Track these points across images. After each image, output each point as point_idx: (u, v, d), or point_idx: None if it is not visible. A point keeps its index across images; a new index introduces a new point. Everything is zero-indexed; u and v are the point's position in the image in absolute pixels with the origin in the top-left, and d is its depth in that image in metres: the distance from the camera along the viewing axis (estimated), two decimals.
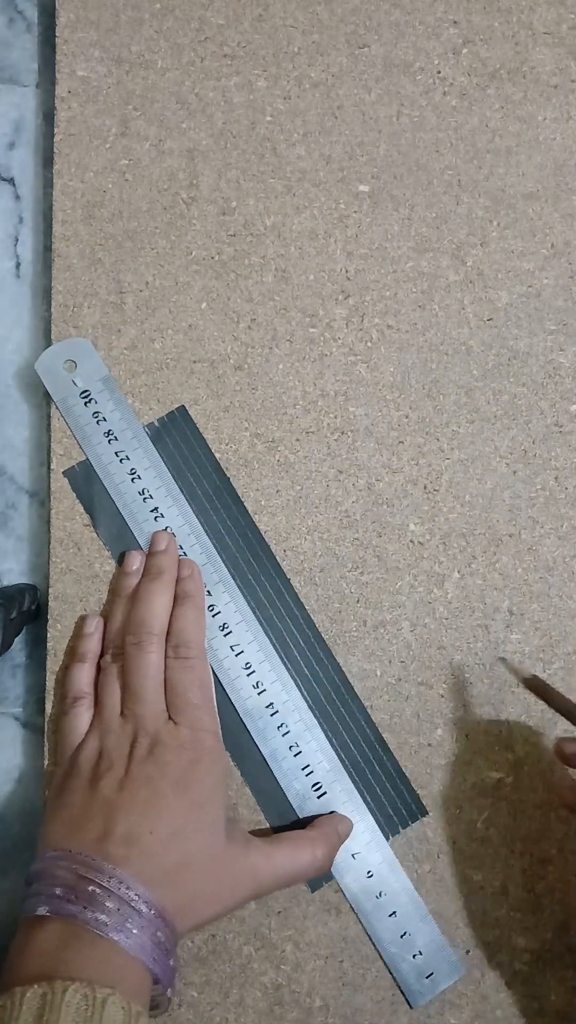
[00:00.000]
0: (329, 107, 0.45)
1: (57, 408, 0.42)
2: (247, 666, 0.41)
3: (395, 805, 0.40)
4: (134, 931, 0.31)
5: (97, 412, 0.42)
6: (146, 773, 0.35)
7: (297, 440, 0.43)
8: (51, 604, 0.41)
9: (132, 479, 0.42)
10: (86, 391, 0.42)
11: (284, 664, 0.41)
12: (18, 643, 0.43)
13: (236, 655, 0.41)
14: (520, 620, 0.42)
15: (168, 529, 0.41)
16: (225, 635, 0.41)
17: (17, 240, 0.46)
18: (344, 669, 0.41)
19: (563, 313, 0.45)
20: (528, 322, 0.45)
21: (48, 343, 0.43)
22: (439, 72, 0.46)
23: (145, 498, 0.41)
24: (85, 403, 0.42)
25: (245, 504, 0.42)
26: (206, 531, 0.42)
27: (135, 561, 0.41)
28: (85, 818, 0.34)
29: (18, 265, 0.46)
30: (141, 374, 0.43)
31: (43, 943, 0.31)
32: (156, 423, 0.43)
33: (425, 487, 0.43)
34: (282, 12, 0.46)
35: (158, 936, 0.32)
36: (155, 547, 0.41)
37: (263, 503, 0.42)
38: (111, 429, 0.42)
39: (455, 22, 0.46)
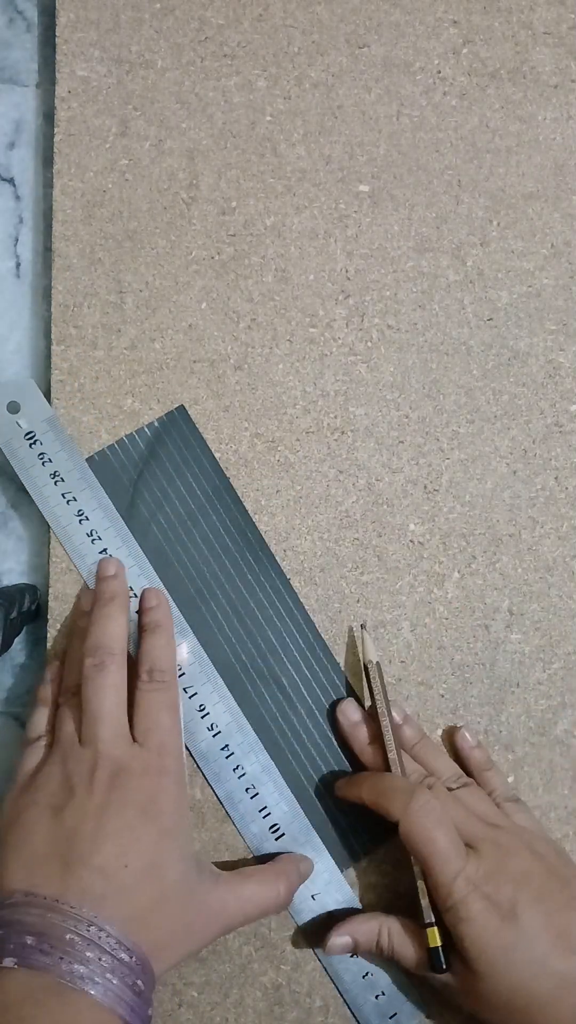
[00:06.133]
0: (329, 107, 0.45)
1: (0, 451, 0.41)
2: (201, 708, 0.40)
3: None
4: (113, 981, 0.29)
5: (43, 454, 0.41)
6: (111, 800, 0.33)
7: (297, 440, 0.43)
8: (51, 604, 0.41)
9: (79, 520, 0.41)
10: (31, 432, 0.41)
11: (240, 705, 0.41)
12: (18, 643, 0.43)
13: (190, 696, 0.40)
14: (520, 620, 0.42)
15: None
16: (179, 676, 0.40)
17: (17, 240, 0.46)
18: (344, 669, 0.41)
19: (563, 313, 0.45)
20: (528, 322, 0.45)
21: (48, 343, 0.43)
22: (439, 72, 0.46)
23: (93, 539, 0.41)
24: (30, 444, 0.41)
25: (245, 504, 0.42)
26: (156, 571, 0.41)
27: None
28: (50, 852, 0.32)
29: (18, 265, 0.46)
30: (141, 374, 0.43)
31: (3, 996, 0.28)
32: (156, 423, 0.43)
33: (425, 487, 0.43)
34: (282, 12, 0.46)
35: (138, 984, 0.30)
36: (104, 573, 0.40)
37: (263, 503, 0.42)
38: (57, 470, 0.41)
39: (455, 22, 0.46)
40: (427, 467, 0.43)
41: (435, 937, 0.35)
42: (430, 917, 0.35)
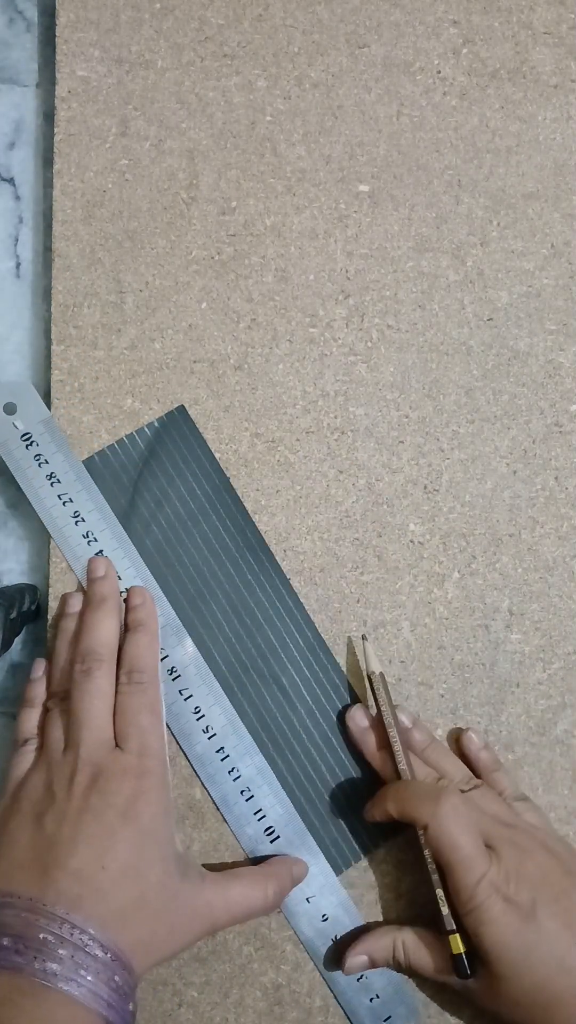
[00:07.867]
0: (329, 107, 0.45)
1: None
2: (196, 710, 0.40)
3: None
4: (88, 978, 0.30)
5: (39, 455, 0.41)
6: (90, 805, 0.33)
7: (297, 440, 0.43)
8: (51, 604, 0.41)
9: (76, 522, 0.41)
10: (27, 434, 0.41)
11: (235, 707, 0.40)
12: (18, 643, 0.43)
13: (185, 699, 0.40)
14: (520, 620, 0.42)
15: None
16: (174, 679, 0.40)
17: (17, 240, 0.46)
18: (344, 669, 0.41)
19: (563, 313, 0.45)
20: (528, 322, 0.45)
21: (48, 343, 0.43)
22: (439, 72, 0.46)
23: (90, 541, 0.41)
24: (27, 446, 0.41)
25: (245, 504, 0.42)
26: (153, 574, 0.41)
27: (77, 603, 0.40)
28: (30, 857, 0.33)
29: (18, 265, 0.46)
30: (141, 374, 0.43)
31: None
32: (156, 423, 0.43)
33: (425, 487, 0.43)
34: (282, 12, 0.46)
35: (115, 980, 0.30)
36: (93, 574, 0.40)
37: (263, 503, 0.42)
38: (53, 472, 0.41)
39: (455, 22, 0.46)
40: (427, 467, 0.43)
41: (459, 944, 0.35)
42: (451, 924, 0.35)
